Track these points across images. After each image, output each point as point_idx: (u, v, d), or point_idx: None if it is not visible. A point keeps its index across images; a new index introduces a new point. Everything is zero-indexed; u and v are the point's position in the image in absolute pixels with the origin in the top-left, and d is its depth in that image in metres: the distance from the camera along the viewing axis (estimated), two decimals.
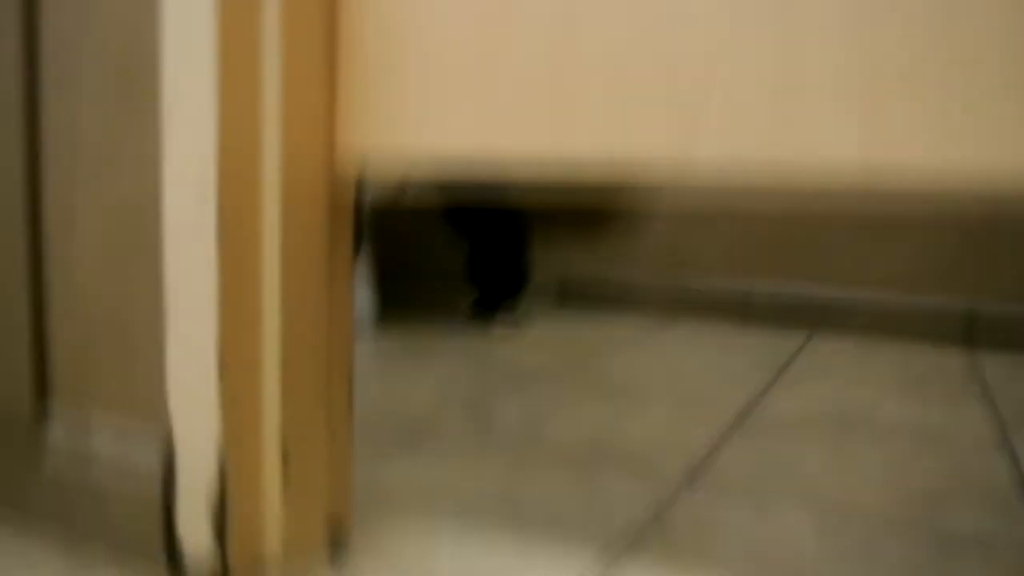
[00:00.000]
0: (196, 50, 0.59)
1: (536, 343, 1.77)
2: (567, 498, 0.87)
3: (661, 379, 1.44)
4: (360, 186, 1.71)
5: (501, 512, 0.82)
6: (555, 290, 2.35)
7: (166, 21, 0.60)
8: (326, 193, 0.66)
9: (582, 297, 2.31)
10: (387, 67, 0.64)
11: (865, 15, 0.47)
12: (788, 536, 0.79)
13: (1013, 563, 0.74)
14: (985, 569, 0.73)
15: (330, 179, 0.66)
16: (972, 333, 1.88)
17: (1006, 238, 1.86)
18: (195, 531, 0.62)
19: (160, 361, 0.63)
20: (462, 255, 2.08)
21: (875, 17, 0.47)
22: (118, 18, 0.64)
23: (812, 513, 0.85)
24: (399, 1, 0.63)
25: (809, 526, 0.81)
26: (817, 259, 2.04)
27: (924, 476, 0.97)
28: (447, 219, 2.01)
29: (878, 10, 0.47)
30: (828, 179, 0.49)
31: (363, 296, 2.05)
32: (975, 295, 1.89)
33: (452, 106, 0.61)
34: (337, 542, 0.71)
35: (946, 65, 0.45)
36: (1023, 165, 0.44)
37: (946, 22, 0.45)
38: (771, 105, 0.50)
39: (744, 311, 2.11)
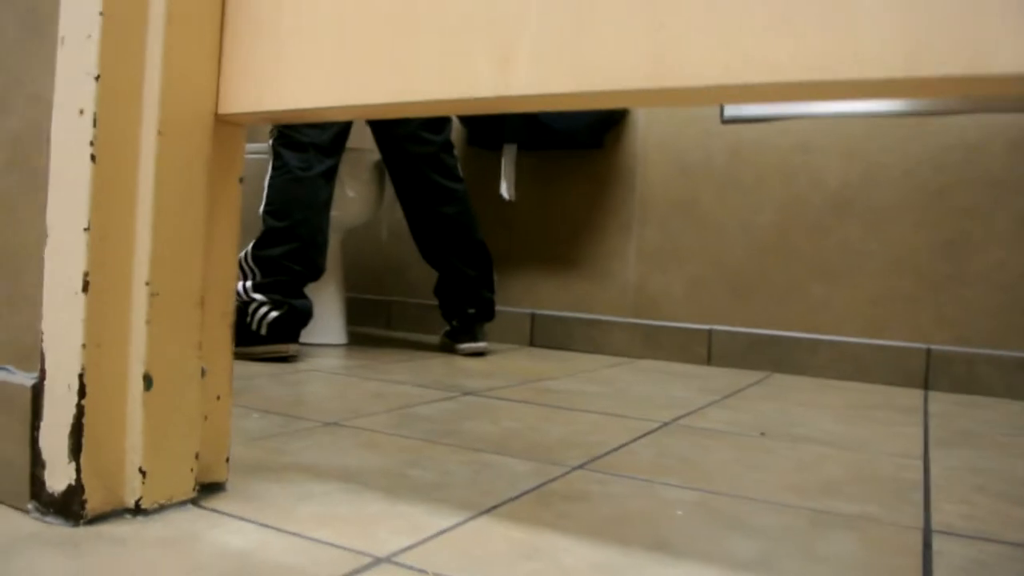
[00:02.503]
0: None
1: (493, 368, 1.79)
2: (455, 475, 0.88)
3: (603, 399, 1.45)
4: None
5: (386, 482, 0.84)
6: (527, 327, 2.38)
7: None
8: (208, 131, 0.70)
9: (551, 334, 2.34)
10: (264, 25, 0.69)
11: None
12: (659, 507, 0.80)
13: (880, 535, 0.75)
14: (848, 536, 0.73)
15: (213, 119, 0.70)
16: (929, 374, 1.89)
17: (961, 281, 1.88)
18: (56, 448, 0.64)
19: (40, 283, 0.67)
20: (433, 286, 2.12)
21: None
22: None
23: (695, 494, 0.86)
24: None
25: (686, 502, 0.82)
26: (778, 302, 2.06)
27: (827, 474, 0.97)
28: (419, 248, 2.06)
29: None
30: (625, 100, 0.53)
31: (332, 319, 2.09)
32: (932, 338, 1.90)
33: (315, 62, 0.66)
34: (208, 483, 0.73)
35: None
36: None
37: None
38: (574, 35, 0.54)
39: (707, 351, 2.12)
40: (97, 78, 0.64)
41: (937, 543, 0.73)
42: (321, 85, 0.66)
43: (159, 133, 0.67)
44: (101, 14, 0.64)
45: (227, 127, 0.73)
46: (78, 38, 0.65)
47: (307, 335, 2.01)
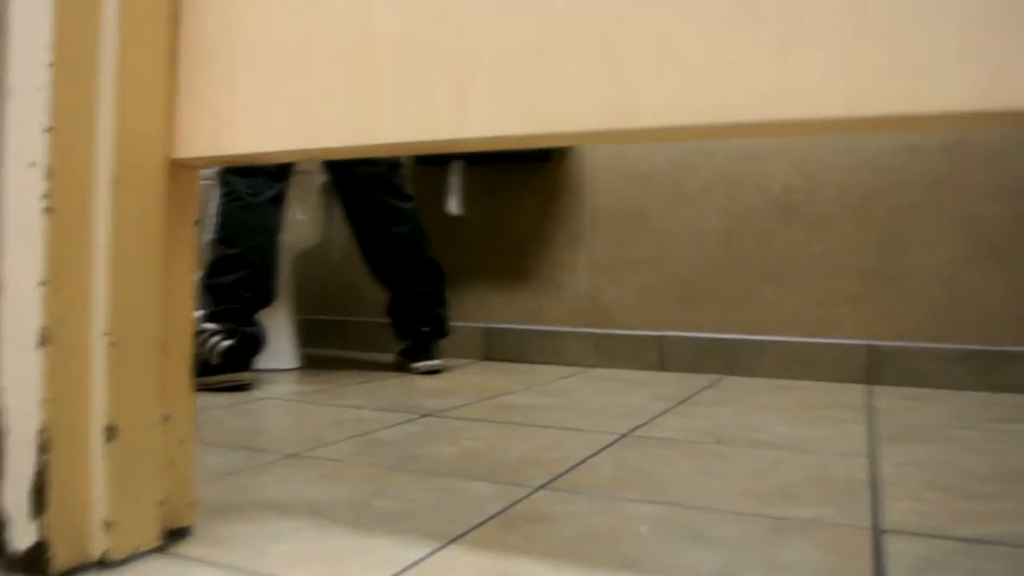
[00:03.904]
0: (36, 39, 0.64)
1: (450, 386, 1.80)
2: (421, 502, 0.89)
3: (560, 412, 1.47)
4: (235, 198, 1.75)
5: (353, 514, 0.84)
6: (481, 341, 2.39)
7: (12, 19, 0.65)
8: (163, 177, 0.70)
9: (505, 347, 2.35)
10: (219, 68, 0.69)
11: None
12: (623, 524, 0.82)
13: (835, 538, 0.77)
14: (806, 542, 0.76)
15: (167, 164, 0.71)
16: (872, 370, 1.94)
17: (901, 278, 1.94)
18: (18, 505, 0.64)
19: None
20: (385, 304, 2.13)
21: None
22: None
23: (656, 507, 0.88)
24: (228, 8, 0.69)
25: (649, 517, 0.84)
26: (727, 306, 2.11)
27: (782, 478, 1.00)
28: (369, 269, 2.06)
29: None
30: (583, 138, 0.55)
31: (285, 343, 2.08)
32: (875, 334, 1.96)
33: (271, 105, 0.67)
34: (174, 528, 0.73)
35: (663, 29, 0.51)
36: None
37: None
38: (531, 78, 0.56)
39: (660, 357, 2.16)
40: (49, 130, 0.64)
41: (889, 543, 0.76)
42: (277, 128, 0.67)
43: (113, 182, 0.66)
44: (51, 65, 0.64)
45: (182, 171, 0.73)
46: (27, 89, 0.65)
47: (260, 361, 2.00)
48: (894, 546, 0.76)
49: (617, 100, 0.53)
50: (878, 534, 0.79)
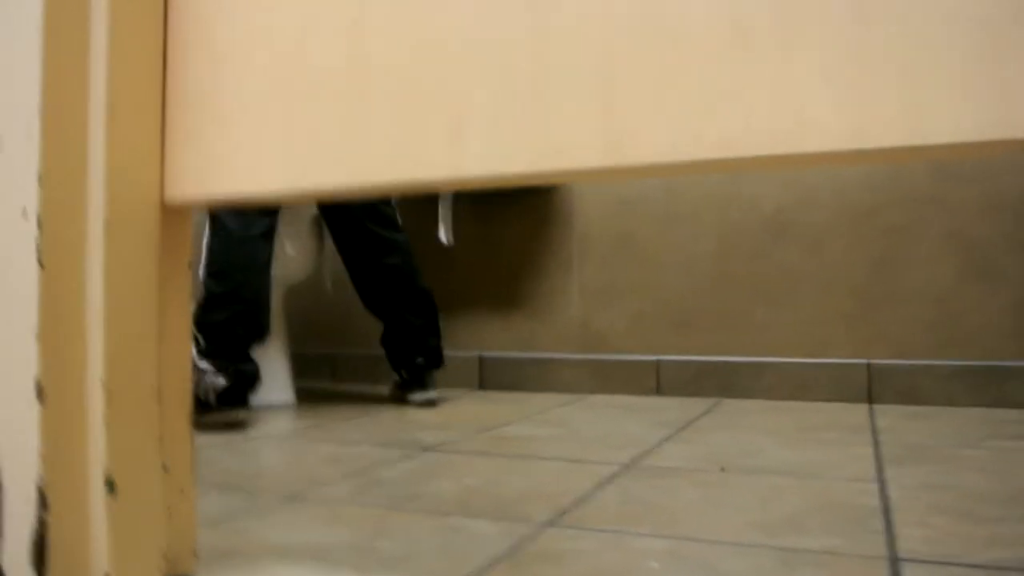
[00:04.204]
0: (25, 87, 0.63)
1: (447, 419, 1.78)
2: (424, 543, 0.87)
3: (560, 443, 1.46)
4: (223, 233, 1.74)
5: (356, 558, 0.83)
6: (475, 370, 2.38)
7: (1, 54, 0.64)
8: (155, 222, 0.69)
9: (500, 375, 2.34)
10: (208, 109, 0.69)
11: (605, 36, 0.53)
12: (632, 560, 0.80)
13: (848, 570, 0.76)
14: (818, 573, 0.75)
15: (159, 208, 0.70)
16: (872, 388, 1.94)
17: (895, 296, 1.94)
18: (18, 564, 0.62)
19: None
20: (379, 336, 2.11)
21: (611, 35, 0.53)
22: None
23: (665, 542, 0.86)
24: (216, 50, 0.68)
25: (658, 552, 0.83)
26: (722, 328, 2.10)
27: (788, 507, 0.99)
28: (362, 301, 2.05)
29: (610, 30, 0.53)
30: (578, 177, 0.54)
31: (279, 378, 2.06)
32: (870, 353, 1.96)
33: (262, 148, 0.66)
34: None
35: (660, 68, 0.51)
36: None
37: (662, 33, 0.51)
38: (526, 117, 0.55)
39: (656, 382, 2.15)
40: (40, 178, 0.63)
41: (905, 573, 0.75)
42: (268, 169, 0.66)
43: (106, 227, 0.65)
44: (40, 112, 0.63)
45: (174, 214, 0.72)
46: (17, 137, 0.64)
47: (254, 397, 1.97)
48: (909, 575, 0.75)
49: (615, 136, 0.52)
50: (895, 563, 0.78)
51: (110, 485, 0.64)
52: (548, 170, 0.55)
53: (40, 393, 0.62)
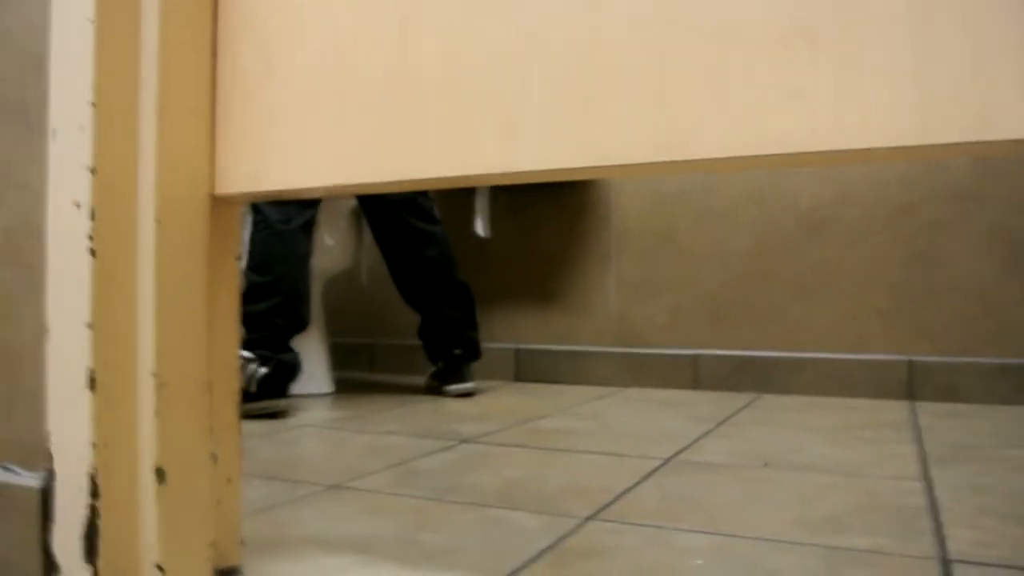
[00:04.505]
0: (77, 79, 0.64)
1: (484, 410, 1.78)
2: (467, 536, 0.87)
3: (598, 436, 1.45)
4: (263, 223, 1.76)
5: (399, 550, 0.83)
6: (512, 362, 2.37)
7: (52, 59, 0.65)
8: (205, 214, 0.70)
9: (536, 368, 2.34)
10: (259, 104, 0.69)
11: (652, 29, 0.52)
12: (676, 557, 0.80)
13: (897, 570, 0.75)
14: (865, 573, 0.74)
15: (209, 201, 0.70)
16: (912, 385, 1.91)
17: (934, 292, 1.91)
18: (69, 551, 0.63)
19: (42, 383, 0.65)
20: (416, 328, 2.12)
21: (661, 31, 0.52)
22: (14, 54, 0.70)
23: (708, 538, 0.86)
24: (266, 45, 0.68)
25: (702, 548, 0.82)
26: (759, 324, 2.08)
27: (832, 505, 0.98)
28: (400, 293, 2.05)
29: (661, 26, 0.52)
30: (632, 171, 0.53)
31: (318, 368, 2.07)
32: (908, 349, 1.92)
33: (312, 139, 0.66)
34: (223, 568, 0.72)
35: (715, 68, 0.50)
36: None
37: (712, 29, 0.50)
38: (580, 110, 0.55)
39: (693, 376, 2.13)
40: (92, 170, 0.63)
41: (957, 574, 0.74)
42: (317, 163, 0.66)
43: (156, 221, 0.66)
44: (93, 104, 0.64)
45: (223, 207, 0.73)
46: (70, 130, 0.65)
47: (295, 387, 1.99)
48: None
49: (671, 131, 0.52)
50: (947, 564, 0.77)
51: (160, 475, 0.65)
52: (601, 164, 0.54)
53: (92, 382, 0.62)
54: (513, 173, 0.58)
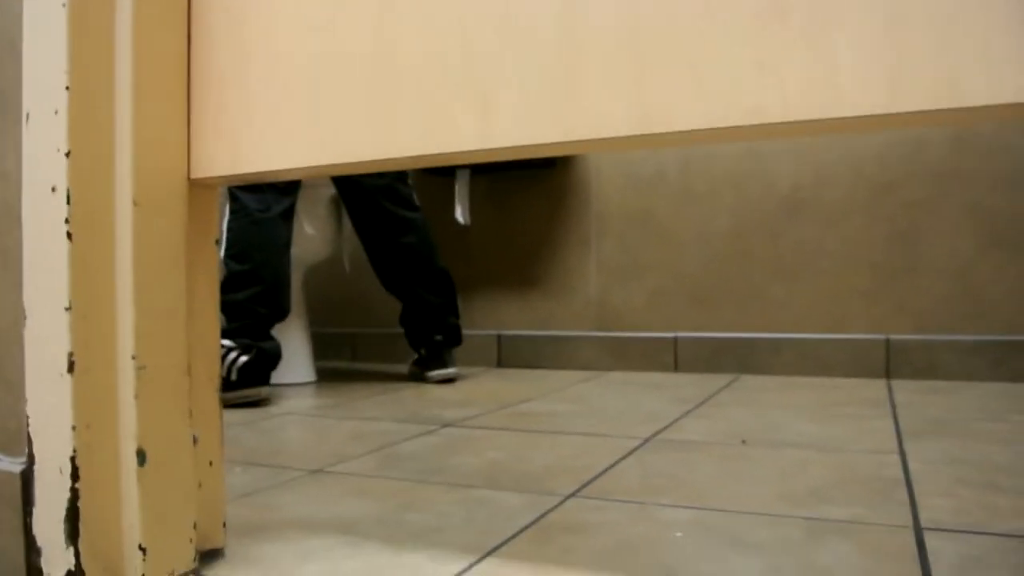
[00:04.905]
0: (51, 63, 0.63)
1: (467, 395, 1.79)
2: (451, 515, 0.88)
3: (580, 418, 1.46)
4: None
5: (384, 530, 0.83)
6: (494, 348, 2.38)
7: (26, 44, 0.65)
8: (182, 197, 0.70)
9: (518, 353, 2.34)
10: (234, 86, 0.69)
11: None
12: (658, 530, 0.81)
13: (874, 538, 0.76)
14: (845, 544, 0.75)
15: (186, 184, 0.70)
16: (890, 364, 1.93)
17: (914, 271, 1.93)
18: (51, 534, 0.63)
19: (21, 367, 0.65)
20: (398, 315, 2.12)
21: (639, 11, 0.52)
22: None
23: (689, 512, 0.87)
24: (242, 27, 0.68)
25: (683, 522, 0.83)
26: (739, 305, 2.10)
27: (811, 479, 0.99)
28: (380, 280, 2.05)
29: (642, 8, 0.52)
30: (609, 146, 0.54)
31: (300, 357, 2.07)
32: (889, 328, 1.95)
33: (289, 124, 0.66)
34: (207, 550, 0.72)
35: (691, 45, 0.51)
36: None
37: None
38: (557, 86, 0.55)
39: (674, 358, 2.15)
40: (68, 154, 0.63)
41: (930, 541, 0.75)
42: (294, 145, 0.66)
43: (134, 204, 0.66)
44: (67, 88, 0.63)
45: (201, 190, 0.73)
46: (45, 114, 0.65)
47: (275, 375, 1.99)
48: (934, 544, 0.75)
49: (647, 105, 0.52)
50: (920, 533, 0.78)
51: (141, 456, 0.65)
52: (578, 139, 0.55)
53: (71, 366, 0.62)
54: (490, 150, 0.58)
